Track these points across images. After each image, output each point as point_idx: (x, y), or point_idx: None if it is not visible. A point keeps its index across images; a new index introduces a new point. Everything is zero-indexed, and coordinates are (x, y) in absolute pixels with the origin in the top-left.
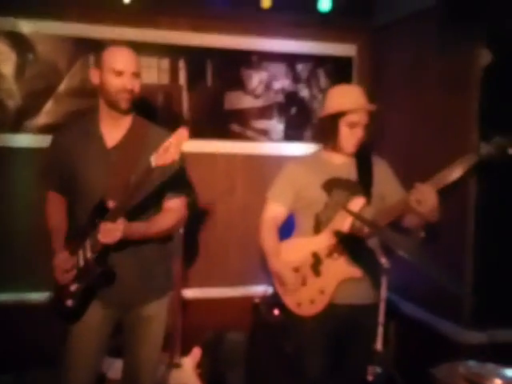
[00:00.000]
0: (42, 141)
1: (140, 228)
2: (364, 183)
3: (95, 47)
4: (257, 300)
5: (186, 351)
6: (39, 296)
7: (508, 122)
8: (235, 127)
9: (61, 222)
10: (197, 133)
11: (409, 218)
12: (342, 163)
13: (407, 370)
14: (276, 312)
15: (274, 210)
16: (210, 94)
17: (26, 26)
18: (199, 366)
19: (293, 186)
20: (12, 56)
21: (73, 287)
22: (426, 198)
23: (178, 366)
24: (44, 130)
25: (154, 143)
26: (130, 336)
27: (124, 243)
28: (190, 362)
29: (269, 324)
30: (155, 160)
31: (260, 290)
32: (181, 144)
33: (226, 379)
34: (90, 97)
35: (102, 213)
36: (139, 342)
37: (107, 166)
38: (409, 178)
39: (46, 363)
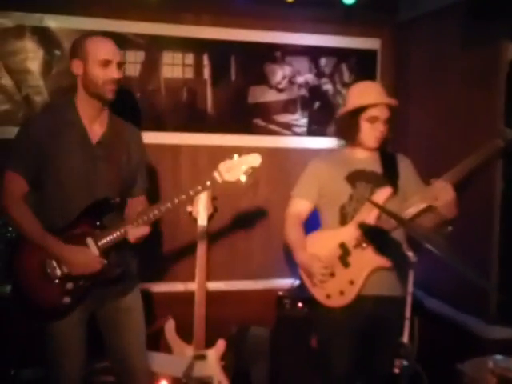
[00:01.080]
0: None
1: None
2: (389, 176)
3: (120, 43)
4: (281, 293)
5: (210, 343)
6: None
7: None
8: (259, 121)
9: (37, 220)
10: (221, 127)
11: (429, 217)
12: (365, 157)
13: (432, 366)
14: (300, 305)
15: (299, 205)
16: (234, 89)
17: (52, 22)
18: (223, 358)
19: (317, 181)
20: (39, 52)
21: (69, 285)
22: (442, 192)
23: (202, 357)
24: None
25: (130, 140)
26: (111, 330)
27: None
28: (214, 354)
29: (293, 317)
30: (222, 175)
31: (284, 283)
32: (250, 167)
33: (250, 373)
34: (117, 93)
35: (103, 210)
36: (125, 336)
37: (92, 161)
38: (431, 176)
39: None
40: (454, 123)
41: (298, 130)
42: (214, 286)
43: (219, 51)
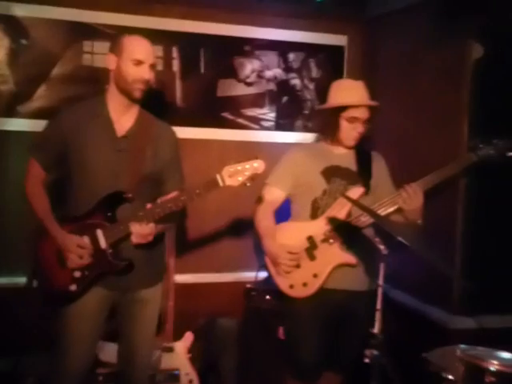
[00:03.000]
0: (35, 125)
1: (159, 227)
2: (363, 174)
3: (89, 33)
4: (249, 285)
5: (178, 336)
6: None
7: (498, 114)
8: (227, 115)
9: (47, 202)
10: (190, 120)
11: (395, 217)
12: (342, 153)
13: (397, 356)
14: (268, 297)
15: (273, 194)
16: (203, 82)
17: (20, 10)
18: (191, 350)
19: (293, 171)
20: (5, 41)
21: (77, 273)
22: (412, 197)
23: (170, 350)
24: (37, 115)
25: (158, 136)
26: (126, 319)
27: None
28: (181, 347)
29: (261, 309)
30: (224, 180)
31: (251, 275)
32: (254, 174)
33: (219, 364)
34: (83, 82)
35: (115, 203)
36: (135, 325)
37: (116, 153)
38: (400, 170)
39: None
40: (422, 119)
41: (266, 124)
42: (182, 278)
43: (189, 44)
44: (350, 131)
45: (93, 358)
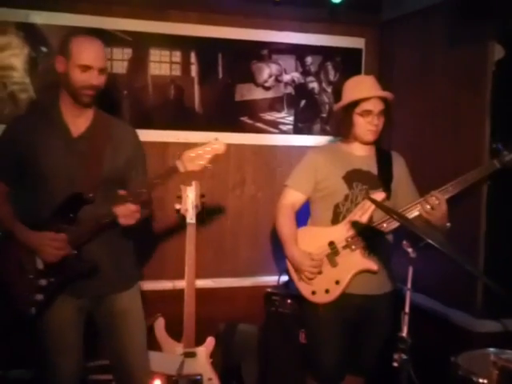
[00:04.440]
0: None
1: (143, 211)
2: (384, 178)
3: (107, 39)
4: (269, 290)
5: (199, 341)
6: None
7: None
8: (246, 119)
9: (11, 210)
10: (208, 125)
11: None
12: (362, 155)
13: (422, 360)
14: (289, 301)
15: (293, 196)
16: (221, 87)
17: (38, 18)
18: (212, 355)
19: (314, 175)
20: (25, 49)
21: (43, 282)
22: (436, 207)
23: (192, 355)
24: None
25: (117, 136)
26: (112, 335)
27: (100, 232)
28: (203, 352)
29: (282, 313)
30: (184, 165)
31: (271, 280)
32: (214, 155)
33: (241, 369)
34: (103, 90)
35: (76, 205)
36: (124, 340)
37: (73, 155)
38: (418, 175)
39: None
40: (441, 122)
41: (284, 127)
42: (203, 283)
43: (206, 49)
44: (366, 125)
45: (80, 368)
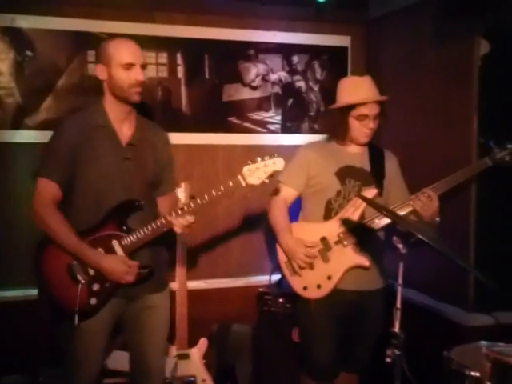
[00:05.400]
0: (43, 137)
1: None
2: (377, 174)
3: (94, 42)
4: (261, 289)
5: (192, 343)
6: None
7: (507, 110)
8: (233, 119)
9: (67, 223)
10: (196, 126)
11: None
12: (355, 152)
13: (415, 355)
14: (281, 300)
15: (285, 192)
16: (208, 87)
17: (24, 22)
18: (205, 356)
19: (306, 170)
20: (10, 53)
21: (96, 286)
22: (428, 204)
23: (185, 356)
24: (44, 126)
25: (155, 140)
26: (135, 328)
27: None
28: (197, 353)
29: (274, 313)
30: (245, 180)
31: (263, 279)
32: (275, 170)
33: (234, 370)
34: (89, 92)
35: (127, 211)
36: (145, 333)
37: (123, 163)
38: (408, 171)
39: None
40: (430, 118)
41: (272, 127)
42: (195, 284)
43: (193, 50)
44: (361, 129)
45: (101, 367)
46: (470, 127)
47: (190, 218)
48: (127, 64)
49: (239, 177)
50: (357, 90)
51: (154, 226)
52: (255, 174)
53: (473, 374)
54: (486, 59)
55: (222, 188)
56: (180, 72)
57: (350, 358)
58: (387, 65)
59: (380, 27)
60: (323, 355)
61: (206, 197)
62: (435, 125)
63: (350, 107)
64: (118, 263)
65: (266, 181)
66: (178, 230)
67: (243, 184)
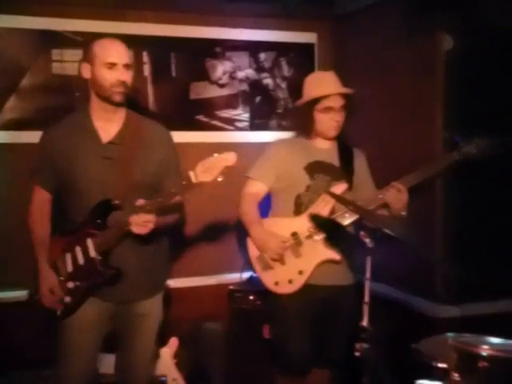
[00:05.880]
0: (8, 137)
1: (160, 219)
2: (346, 170)
3: (57, 41)
4: (232, 287)
5: (163, 342)
6: (15, 294)
7: (471, 104)
8: (201, 117)
9: (46, 230)
10: (163, 124)
11: (380, 212)
12: (324, 148)
13: (385, 348)
14: (252, 297)
15: (255, 187)
16: (175, 85)
17: None
18: (177, 356)
19: (276, 166)
20: None
21: (70, 284)
22: (397, 197)
23: (155, 356)
24: (9, 126)
25: (150, 139)
26: (126, 333)
27: (126, 237)
28: (167, 353)
29: (245, 310)
30: (196, 176)
31: (234, 277)
32: (226, 166)
33: (207, 368)
34: (54, 92)
35: (105, 211)
36: (135, 339)
37: (103, 161)
38: (376, 165)
39: (29, 363)
40: (397, 113)
41: (240, 124)
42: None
43: (159, 48)
44: (328, 122)
45: (93, 371)
46: (436, 122)
47: (146, 217)
48: (109, 63)
49: (191, 174)
50: (320, 84)
51: (116, 225)
52: (207, 170)
53: (440, 365)
54: (451, 54)
55: (179, 188)
56: (146, 70)
57: (322, 354)
58: (354, 61)
59: (347, 24)
60: (295, 351)
61: (165, 197)
62: (402, 120)
63: (315, 101)
64: (47, 288)
65: (219, 178)
66: (133, 229)
67: (194, 181)
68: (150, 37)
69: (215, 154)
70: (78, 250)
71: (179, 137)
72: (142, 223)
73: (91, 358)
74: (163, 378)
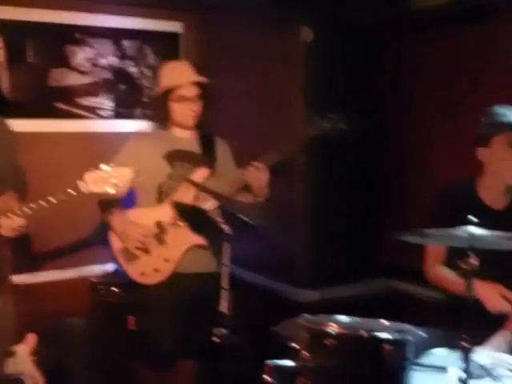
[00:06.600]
0: None
1: None
2: (207, 157)
3: None
4: (94, 279)
5: (19, 339)
6: None
7: (329, 91)
8: (60, 105)
9: None
10: (20, 112)
11: (243, 195)
12: (183, 137)
13: (249, 333)
14: (114, 289)
15: None
16: (33, 72)
17: None
18: (35, 353)
19: (133, 160)
20: None
21: None
22: (256, 175)
23: (11, 354)
24: None
25: None
26: None
27: None
28: (24, 350)
29: (107, 302)
30: (88, 186)
31: (98, 269)
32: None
33: (67, 364)
34: None
35: None
36: None
37: None
38: (244, 152)
39: None
40: (262, 101)
41: (103, 113)
42: (20, 279)
43: (14, 33)
44: (183, 111)
45: None
46: (297, 108)
47: (18, 221)
48: None
49: (81, 183)
50: (173, 74)
51: None
52: (100, 182)
53: (293, 345)
54: (311, 46)
55: (61, 195)
56: (1, 55)
57: (187, 344)
58: (220, 52)
59: (213, 14)
60: (161, 344)
61: (43, 203)
62: (268, 106)
63: (169, 91)
64: None
65: (111, 191)
66: (3, 231)
67: (85, 191)
68: (5, 20)
69: (106, 167)
70: None
71: (37, 125)
72: (15, 228)
73: None
74: (20, 376)
